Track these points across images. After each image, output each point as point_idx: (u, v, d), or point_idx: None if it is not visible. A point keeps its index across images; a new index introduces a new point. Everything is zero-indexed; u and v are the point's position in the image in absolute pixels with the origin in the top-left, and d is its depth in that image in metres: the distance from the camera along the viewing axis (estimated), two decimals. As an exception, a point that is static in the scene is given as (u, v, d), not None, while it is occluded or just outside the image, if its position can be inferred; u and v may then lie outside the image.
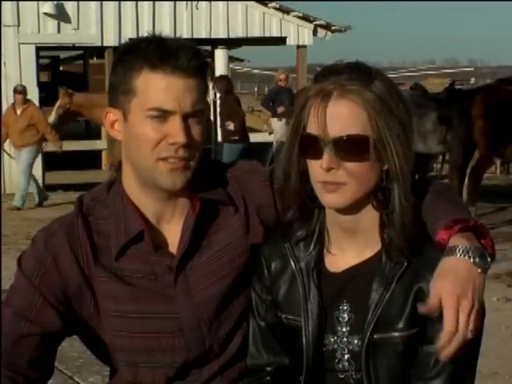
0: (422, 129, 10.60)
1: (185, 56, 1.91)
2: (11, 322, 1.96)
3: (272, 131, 16.48)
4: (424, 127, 10.74)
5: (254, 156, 11.80)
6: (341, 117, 1.79)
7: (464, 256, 1.75)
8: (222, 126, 13.07)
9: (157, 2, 15.72)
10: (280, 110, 14.13)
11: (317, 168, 1.83)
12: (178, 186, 1.95)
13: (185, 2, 15.92)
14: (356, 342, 1.88)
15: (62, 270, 1.98)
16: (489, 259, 1.78)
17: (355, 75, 1.81)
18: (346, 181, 1.82)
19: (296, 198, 1.94)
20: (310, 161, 1.85)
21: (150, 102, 1.91)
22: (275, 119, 14.35)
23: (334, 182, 1.82)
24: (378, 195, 1.86)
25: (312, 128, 1.83)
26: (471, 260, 1.75)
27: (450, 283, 1.73)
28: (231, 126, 12.68)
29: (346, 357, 1.90)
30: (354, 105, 1.80)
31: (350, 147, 1.79)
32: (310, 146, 1.83)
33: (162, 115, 1.91)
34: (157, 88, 1.91)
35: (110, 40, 15.25)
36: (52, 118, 13.24)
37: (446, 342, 1.72)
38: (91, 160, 14.44)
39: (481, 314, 1.76)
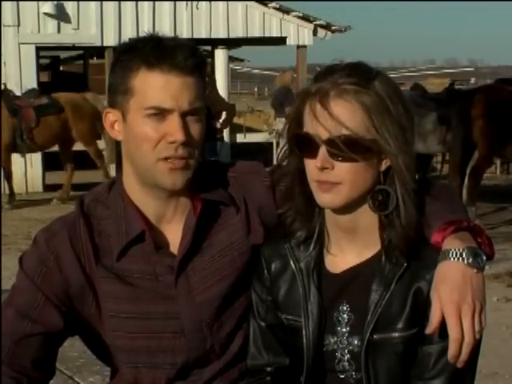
0: (422, 129, 10.59)
1: (182, 54, 1.91)
2: (14, 322, 1.97)
3: (272, 131, 16.46)
4: (424, 127, 10.72)
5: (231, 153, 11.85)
6: (336, 117, 1.80)
7: (457, 259, 1.76)
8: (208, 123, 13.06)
9: (157, 2, 15.68)
10: (288, 110, 14.12)
11: (312, 167, 1.83)
12: (178, 185, 1.96)
13: (185, 2, 15.90)
14: (356, 342, 1.88)
15: (64, 270, 1.99)
16: (484, 257, 1.78)
17: (354, 75, 1.82)
18: (341, 181, 1.82)
19: (295, 197, 1.94)
20: (306, 159, 1.86)
21: (148, 101, 1.92)
22: (283, 119, 14.33)
23: (328, 181, 1.82)
24: (377, 196, 1.86)
25: (308, 127, 1.83)
26: (465, 262, 1.76)
27: (447, 291, 1.74)
28: (217, 124, 12.65)
29: (346, 357, 1.90)
30: (350, 105, 1.80)
31: (345, 147, 1.79)
32: (305, 144, 1.84)
33: (161, 114, 1.92)
34: (154, 87, 1.91)
35: (110, 40, 15.21)
36: None
37: (456, 351, 1.72)
38: (91, 160, 14.40)
39: (484, 312, 1.76)
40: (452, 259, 1.76)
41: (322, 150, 1.81)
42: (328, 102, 1.80)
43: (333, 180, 1.82)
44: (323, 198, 1.84)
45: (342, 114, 1.80)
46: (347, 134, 1.80)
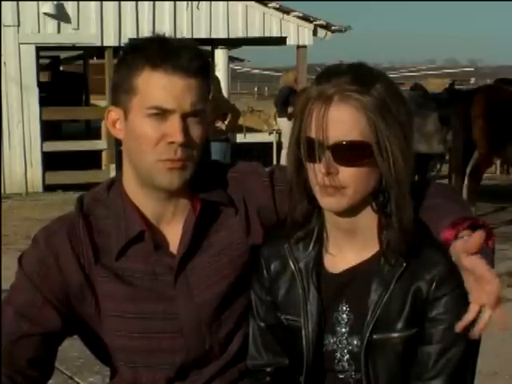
0: (422, 129, 10.60)
1: (186, 56, 1.92)
2: (12, 322, 1.97)
3: (272, 131, 16.46)
4: (425, 128, 10.74)
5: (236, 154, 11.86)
6: (341, 122, 1.79)
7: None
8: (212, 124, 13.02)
9: (157, 2, 15.67)
10: (290, 110, 14.09)
11: (316, 171, 1.83)
12: (175, 185, 1.96)
13: (185, 2, 15.90)
14: (355, 342, 1.88)
15: (63, 270, 1.99)
16: (493, 258, 1.79)
17: (356, 79, 1.80)
18: (345, 185, 1.82)
19: (295, 198, 1.94)
20: (309, 163, 1.85)
21: (150, 101, 1.92)
22: (284, 119, 14.29)
23: (333, 185, 1.82)
24: (379, 197, 1.86)
25: (312, 132, 1.82)
26: None
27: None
28: (222, 126, 12.64)
29: (346, 357, 1.90)
30: (354, 110, 1.79)
31: (350, 153, 1.79)
32: (309, 149, 1.83)
33: (162, 114, 1.92)
34: (157, 87, 1.91)
35: (110, 40, 15.21)
36: None
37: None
38: (91, 160, 14.41)
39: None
40: None
41: (327, 155, 1.80)
42: (332, 107, 1.79)
43: (337, 184, 1.82)
44: (328, 201, 1.84)
45: (347, 119, 1.79)
46: (352, 139, 1.79)
